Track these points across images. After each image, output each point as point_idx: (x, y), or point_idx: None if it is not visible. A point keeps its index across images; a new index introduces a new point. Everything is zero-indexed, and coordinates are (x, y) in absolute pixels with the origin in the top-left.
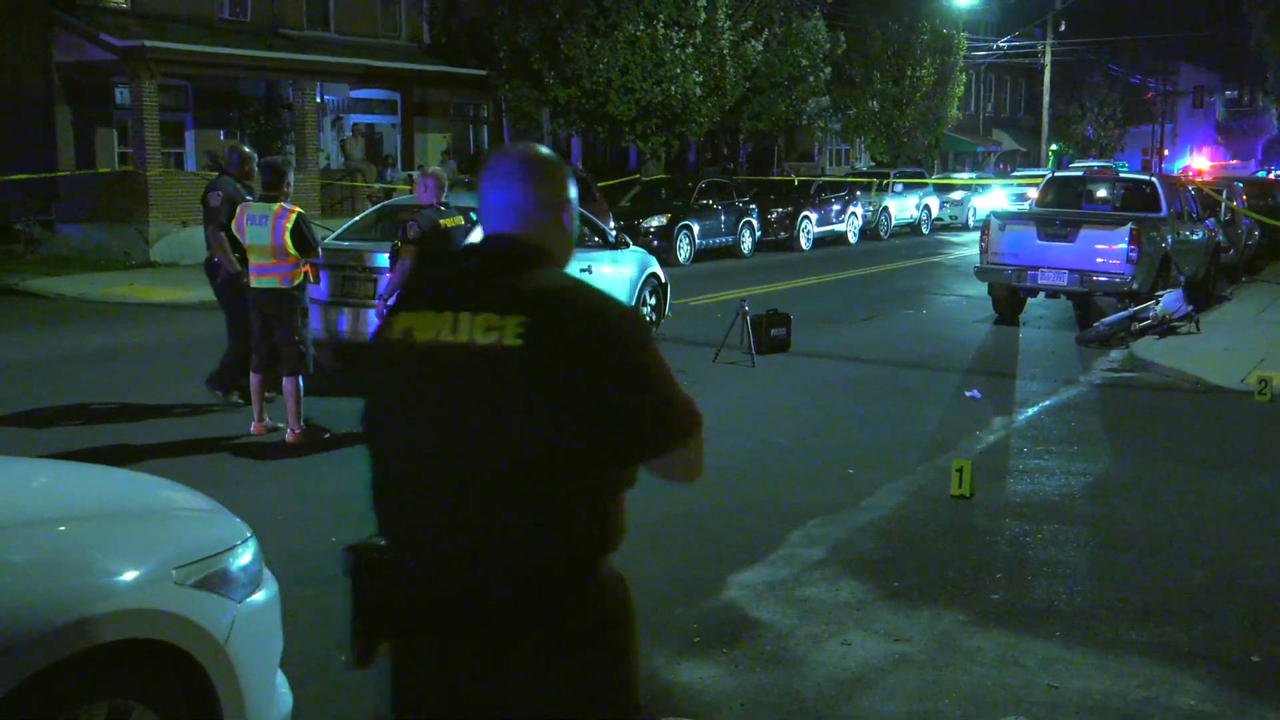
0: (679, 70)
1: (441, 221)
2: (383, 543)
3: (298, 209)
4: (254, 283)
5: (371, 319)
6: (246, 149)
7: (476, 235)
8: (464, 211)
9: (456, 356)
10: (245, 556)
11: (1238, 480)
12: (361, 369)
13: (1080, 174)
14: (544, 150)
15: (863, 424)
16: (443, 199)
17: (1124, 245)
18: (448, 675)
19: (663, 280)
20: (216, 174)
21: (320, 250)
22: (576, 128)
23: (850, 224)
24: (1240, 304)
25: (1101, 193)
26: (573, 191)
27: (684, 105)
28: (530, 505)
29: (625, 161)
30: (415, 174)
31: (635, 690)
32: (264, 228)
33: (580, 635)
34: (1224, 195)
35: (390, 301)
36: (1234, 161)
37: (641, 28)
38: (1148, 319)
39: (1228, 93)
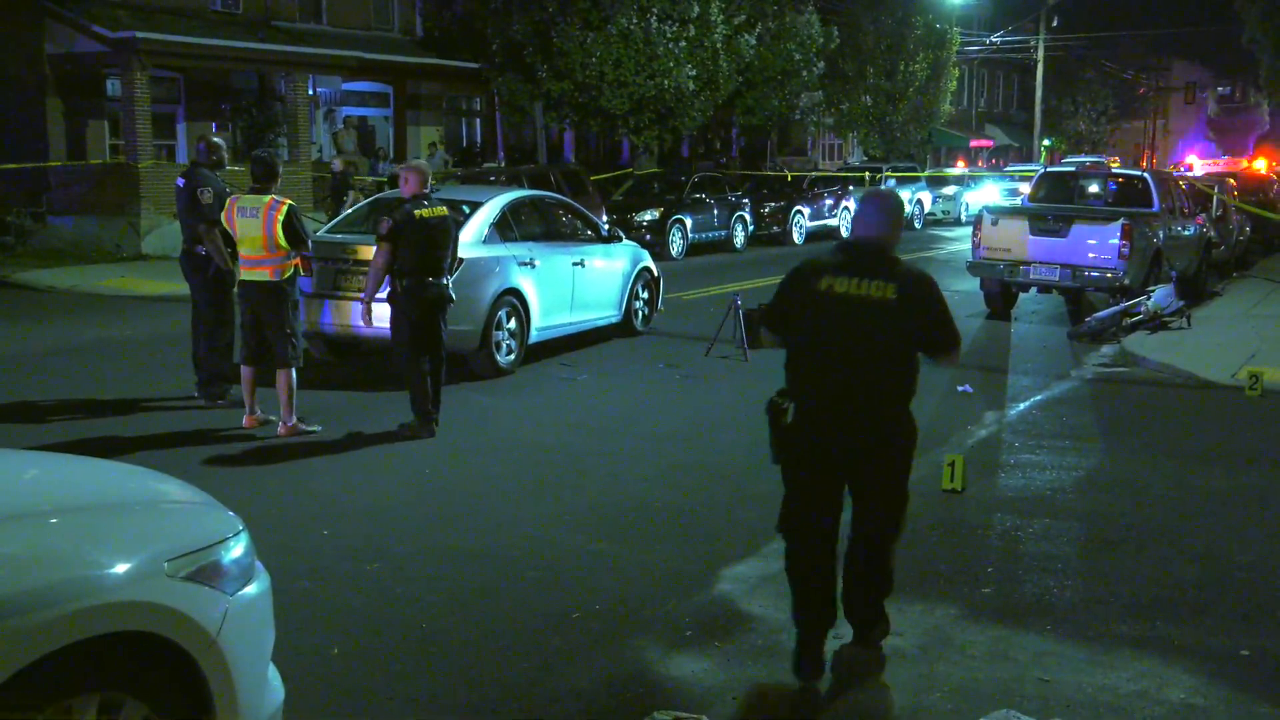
0: (672, 64)
1: (417, 212)
2: (783, 401)
3: (289, 201)
4: (244, 275)
5: (358, 311)
6: (215, 139)
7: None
8: (452, 204)
9: (862, 303)
10: (237, 549)
11: (1228, 475)
12: (794, 305)
13: (1073, 169)
14: (891, 194)
15: None
16: (425, 190)
17: (1116, 240)
18: (837, 447)
19: (655, 274)
20: (190, 165)
21: (310, 243)
22: (569, 121)
23: (843, 218)
24: (1231, 299)
25: (1094, 188)
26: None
27: (677, 99)
28: (889, 374)
29: (618, 155)
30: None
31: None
32: (255, 220)
33: (902, 433)
34: (1216, 190)
35: (378, 296)
36: (1225, 157)
37: (634, 21)
38: (1139, 314)
39: (1219, 88)
